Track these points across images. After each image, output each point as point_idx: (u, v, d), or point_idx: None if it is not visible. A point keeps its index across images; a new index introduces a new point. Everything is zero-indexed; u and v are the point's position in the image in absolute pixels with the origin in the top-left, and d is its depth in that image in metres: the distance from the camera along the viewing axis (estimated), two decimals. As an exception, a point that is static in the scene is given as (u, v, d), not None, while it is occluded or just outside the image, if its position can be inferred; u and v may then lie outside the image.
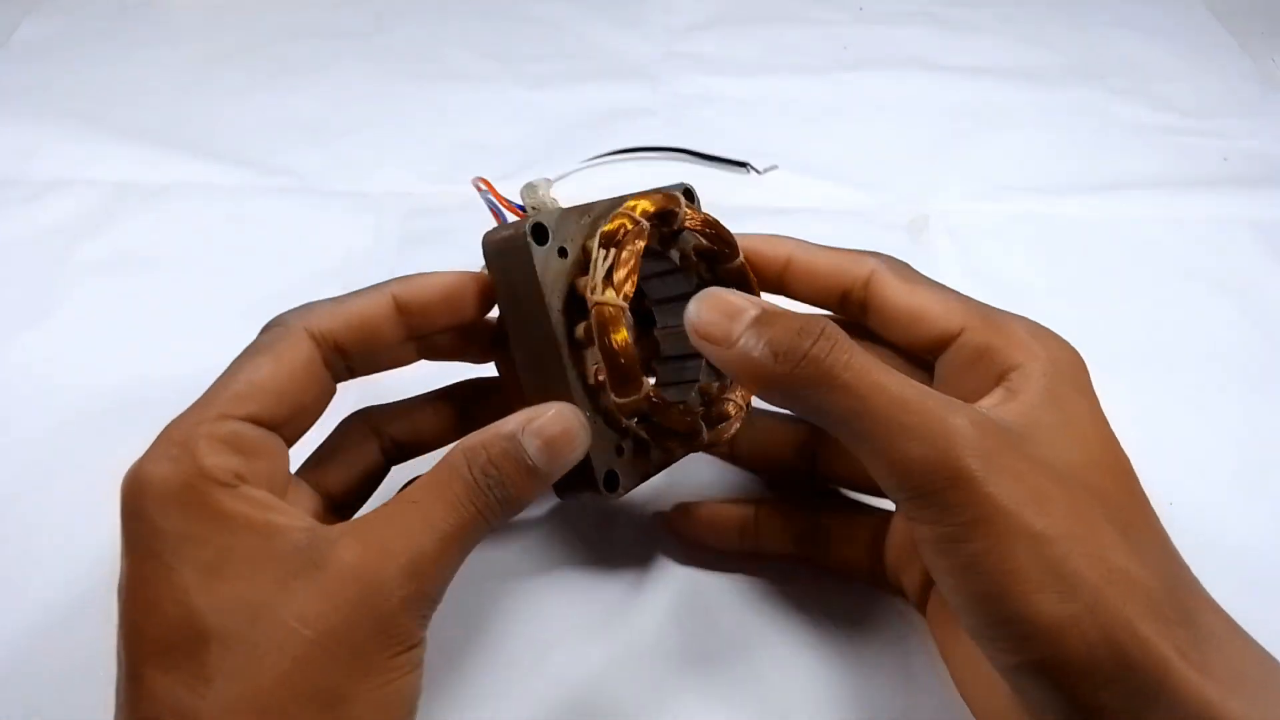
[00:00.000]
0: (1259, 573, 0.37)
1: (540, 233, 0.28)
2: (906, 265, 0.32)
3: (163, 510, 0.24)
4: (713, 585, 0.36)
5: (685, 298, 0.27)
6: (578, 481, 0.29)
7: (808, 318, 0.25)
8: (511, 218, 0.35)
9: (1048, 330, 0.29)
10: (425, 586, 0.25)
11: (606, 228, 0.29)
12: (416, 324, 0.30)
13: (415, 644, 0.25)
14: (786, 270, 0.32)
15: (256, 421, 0.26)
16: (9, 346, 0.44)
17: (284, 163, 0.54)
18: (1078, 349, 0.29)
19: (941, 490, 0.23)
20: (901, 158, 0.57)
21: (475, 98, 0.60)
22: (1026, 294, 0.49)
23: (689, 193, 0.33)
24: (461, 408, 0.33)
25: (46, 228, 0.50)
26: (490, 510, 0.25)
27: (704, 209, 0.32)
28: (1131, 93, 0.62)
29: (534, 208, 0.31)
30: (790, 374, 0.24)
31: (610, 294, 0.28)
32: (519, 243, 0.28)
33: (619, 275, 0.28)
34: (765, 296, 0.32)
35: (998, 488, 0.23)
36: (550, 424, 0.26)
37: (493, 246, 0.29)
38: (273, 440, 0.27)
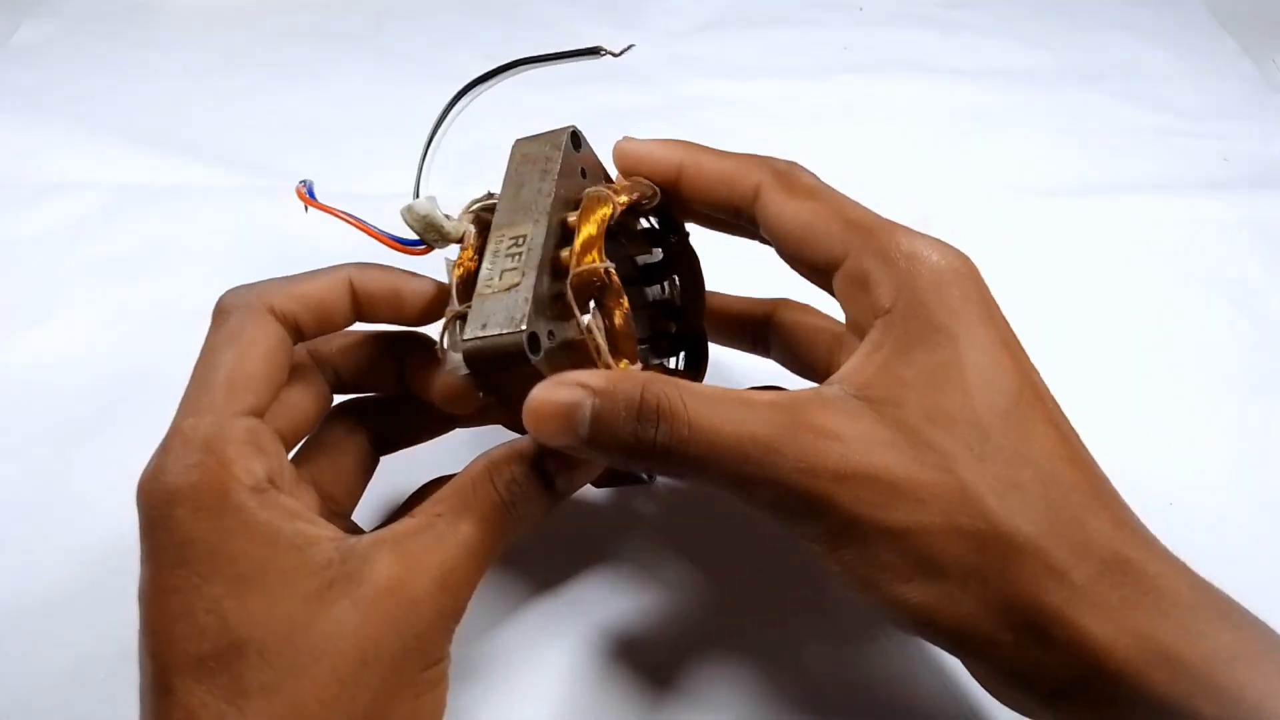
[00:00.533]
0: (1258, 572, 0.37)
1: (535, 343, 0.25)
2: (794, 171, 0.29)
3: (192, 519, 0.23)
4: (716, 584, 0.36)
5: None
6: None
7: (638, 396, 0.23)
8: (368, 241, 0.30)
9: (924, 248, 0.27)
10: (455, 602, 0.25)
11: (575, 280, 0.26)
12: (365, 314, 0.29)
13: (443, 658, 0.25)
14: (680, 180, 0.30)
15: (255, 412, 0.26)
16: (9, 347, 0.44)
17: (283, 165, 0.54)
18: (970, 257, 0.28)
19: (803, 514, 0.24)
20: (902, 159, 0.57)
21: (475, 100, 0.60)
22: (1026, 294, 0.49)
23: (576, 137, 0.30)
24: (396, 354, 0.32)
25: (47, 229, 0.50)
26: (514, 526, 0.26)
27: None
28: (1131, 94, 0.62)
29: (426, 229, 0.29)
30: (649, 458, 0.24)
31: (625, 364, 0.27)
32: (514, 351, 0.25)
33: (624, 346, 0.27)
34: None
35: (850, 499, 0.23)
36: (582, 413, 0.25)
37: (477, 355, 0.25)
38: (273, 434, 0.27)
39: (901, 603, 0.24)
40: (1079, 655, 0.23)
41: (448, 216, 0.29)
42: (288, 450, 0.28)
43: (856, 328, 0.27)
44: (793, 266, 0.29)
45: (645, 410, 0.23)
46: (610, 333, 0.27)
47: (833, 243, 0.27)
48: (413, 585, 0.24)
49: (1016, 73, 0.64)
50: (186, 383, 0.26)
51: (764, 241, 0.29)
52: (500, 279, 0.26)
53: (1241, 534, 0.39)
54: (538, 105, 0.60)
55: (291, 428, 0.29)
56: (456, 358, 0.26)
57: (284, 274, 0.30)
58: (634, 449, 0.23)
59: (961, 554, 0.23)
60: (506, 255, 0.27)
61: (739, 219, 0.29)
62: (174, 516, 0.23)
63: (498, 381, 0.26)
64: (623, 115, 0.59)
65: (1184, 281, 0.50)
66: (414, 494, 0.32)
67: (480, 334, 0.25)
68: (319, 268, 0.29)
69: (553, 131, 0.30)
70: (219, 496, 0.23)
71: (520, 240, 0.27)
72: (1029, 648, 0.23)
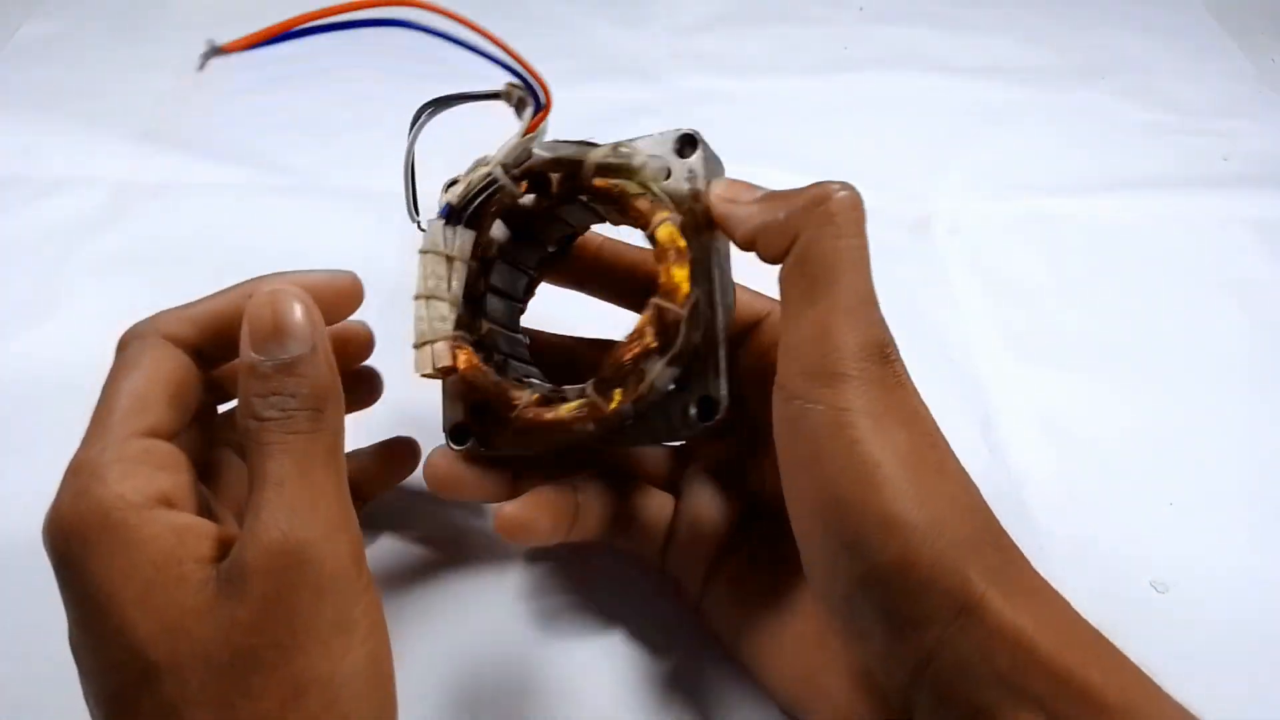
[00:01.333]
0: (1258, 573, 0.37)
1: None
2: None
3: (84, 548, 0.23)
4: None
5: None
6: None
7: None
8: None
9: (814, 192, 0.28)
10: (329, 527, 0.24)
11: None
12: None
13: (363, 590, 0.25)
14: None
15: (156, 434, 0.26)
16: (11, 345, 0.44)
17: (286, 161, 0.54)
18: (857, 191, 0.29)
19: (854, 378, 0.24)
20: (903, 157, 0.57)
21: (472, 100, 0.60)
22: (1028, 292, 0.49)
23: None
24: None
25: (49, 226, 0.50)
26: (315, 418, 0.25)
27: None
28: (1132, 92, 0.63)
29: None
30: (809, 213, 0.27)
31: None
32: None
33: None
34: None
35: (896, 395, 0.25)
36: (257, 310, 0.25)
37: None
38: (176, 452, 0.26)
39: (896, 516, 0.23)
40: (1000, 631, 0.23)
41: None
42: None
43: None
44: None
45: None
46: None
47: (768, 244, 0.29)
48: (279, 549, 0.23)
49: (1017, 71, 0.64)
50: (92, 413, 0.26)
51: None
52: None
53: (1241, 534, 0.39)
54: (539, 103, 0.60)
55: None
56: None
57: (285, 269, 0.30)
58: (810, 201, 0.27)
59: (941, 493, 0.24)
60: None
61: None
62: (70, 551, 0.23)
63: None
64: (623, 112, 0.59)
65: (1184, 279, 0.50)
66: None
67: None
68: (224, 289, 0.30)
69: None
70: (103, 518, 0.23)
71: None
72: (961, 617, 0.23)
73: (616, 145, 0.29)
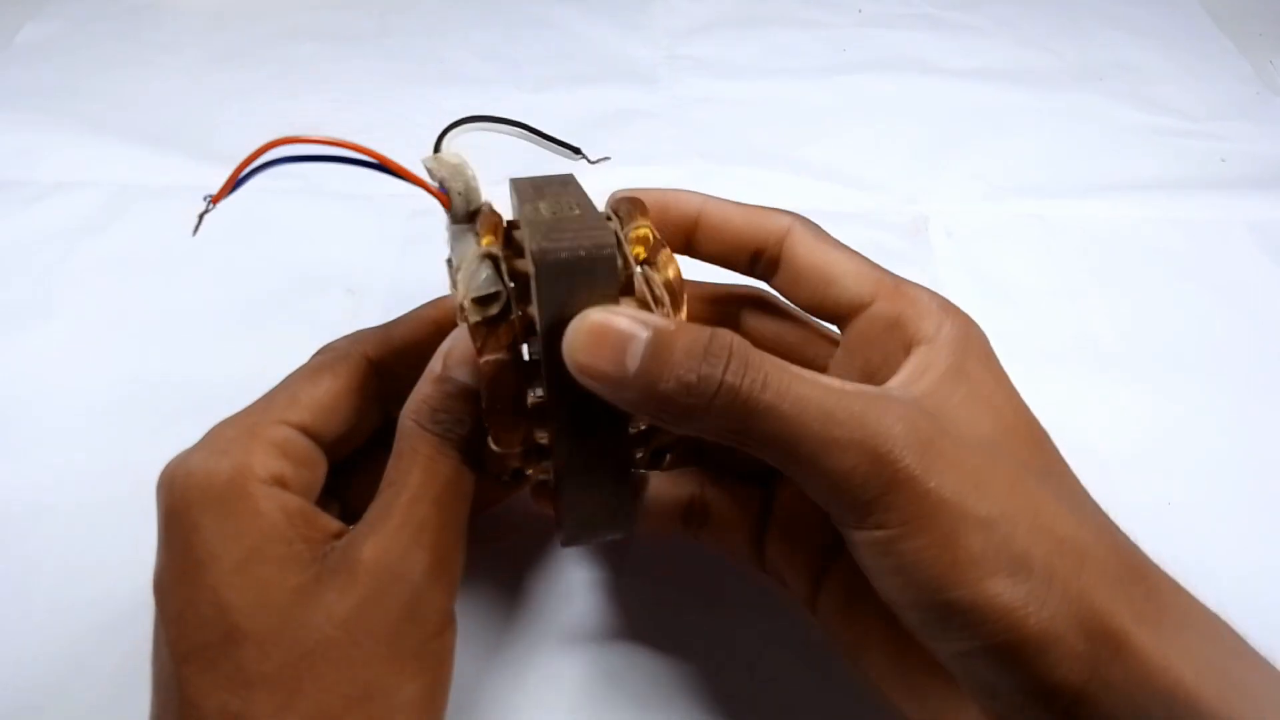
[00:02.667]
0: (1257, 573, 0.37)
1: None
2: (818, 226, 0.30)
3: (202, 504, 0.24)
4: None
5: None
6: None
7: (708, 335, 0.22)
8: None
9: (951, 303, 0.28)
10: (438, 558, 0.25)
11: (633, 236, 0.26)
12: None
13: (444, 627, 0.25)
14: (697, 227, 0.30)
15: (306, 432, 0.27)
16: (12, 347, 0.44)
17: (286, 165, 0.54)
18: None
19: (880, 495, 0.22)
20: (900, 159, 0.57)
21: (477, 100, 0.60)
22: (1025, 295, 0.49)
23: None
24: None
25: (49, 229, 0.50)
26: (464, 452, 0.26)
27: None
28: (1129, 95, 0.63)
29: (453, 175, 0.27)
30: (705, 407, 0.22)
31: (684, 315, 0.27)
32: (604, 260, 0.23)
33: (678, 301, 0.26)
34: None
35: (937, 480, 0.22)
36: (458, 346, 0.26)
37: (556, 266, 0.23)
38: (318, 453, 0.27)
39: (988, 600, 0.21)
40: (1150, 679, 0.21)
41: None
42: None
43: (871, 366, 0.28)
44: (805, 305, 0.30)
45: (715, 347, 0.22)
46: (667, 286, 0.26)
47: (863, 286, 0.28)
48: (393, 553, 0.24)
49: (1015, 73, 0.64)
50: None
51: (762, 278, 0.31)
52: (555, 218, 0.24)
53: (1240, 534, 0.39)
54: (536, 105, 0.60)
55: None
56: (465, 293, 0.24)
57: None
58: (693, 388, 0.21)
59: (1044, 552, 0.22)
60: (551, 214, 0.25)
61: (756, 258, 0.30)
62: (187, 503, 0.24)
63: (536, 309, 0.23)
64: (623, 115, 0.59)
65: (1181, 282, 0.50)
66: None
67: (559, 244, 0.22)
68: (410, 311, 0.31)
69: (553, 175, 0.29)
70: (231, 484, 0.24)
71: (569, 206, 0.25)
72: (1102, 666, 0.21)
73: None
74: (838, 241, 0.30)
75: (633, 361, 0.22)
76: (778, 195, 0.53)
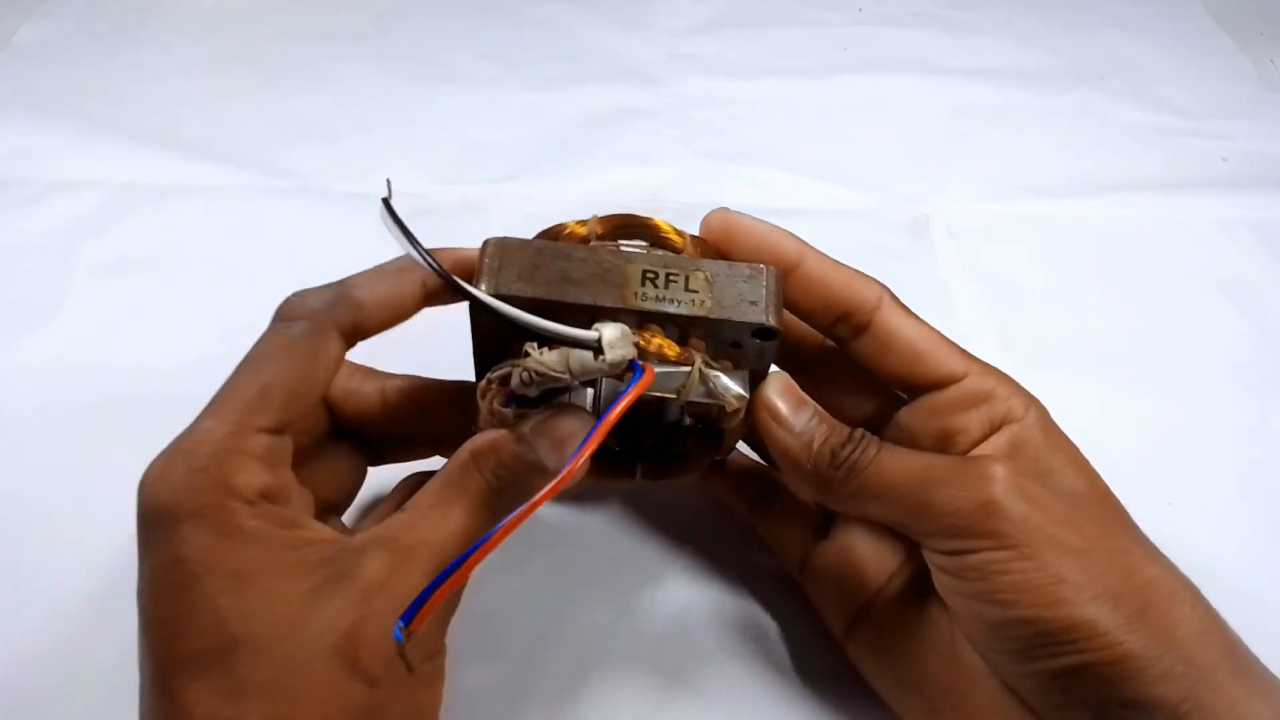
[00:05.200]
0: (1257, 573, 0.37)
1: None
2: (897, 297, 0.32)
3: (188, 526, 0.23)
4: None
5: None
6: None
7: (845, 426, 0.28)
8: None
9: (1022, 386, 0.31)
10: (449, 593, 0.25)
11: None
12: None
13: (440, 651, 0.25)
14: (794, 274, 0.30)
15: (280, 429, 0.26)
16: (13, 347, 0.44)
17: (286, 163, 0.54)
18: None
19: (978, 523, 0.25)
20: (902, 158, 0.57)
21: (477, 99, 0.60)
22: (1027, 294, 0.49)
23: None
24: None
25: (49, 229, 0.50)
26: (505, 511, 0.25)
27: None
28: (1131, 94, 0.63)
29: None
30: (830, 474, 0.27)
31: None
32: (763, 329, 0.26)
33: None
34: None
35: (1031, 513, 0.25)
36: (560, 425, 0.26)
37: (720, 326, 0.26)
38: (289, 447, 0.27)
39: (1092, 620, 0.23)
40: (1236, 709, 0.23)
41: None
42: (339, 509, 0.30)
43: (949, 432, 0.30)
44: (887, 372, 0.31)
45: (853, 434, 0.27)
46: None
47: (954, 363, 0.30)
48: (406, 578, 0.24)
49: (1016, 73, 0.64)
50: (227, 377, 0.26)
51: (839, 339, 0.31)
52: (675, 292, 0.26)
53: (1240, 534, 0.39)
54: (536, 104, 0.60)
55: (336, 491, 0.30)
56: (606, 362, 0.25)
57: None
58: (831, 462, 0.27)
59: (1135, 586, 0.24)
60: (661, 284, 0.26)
61: (840, 320, 0.30)
62: (170, 520, 0.23)
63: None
64: (623, 115, 0.59)
65: (1183, 281, 0.50)
66: (396, 488, 0.32)
67: (720, 310, 0.26)
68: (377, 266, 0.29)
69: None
70: (215, 508, 0.24)
71: (668, 275, 0.26)
72: (1199, 689, 0.23)
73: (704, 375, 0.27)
74: (920, 319, 0.31)
75: (803, 419, 0.28)
76: (778, 195, 0.54)
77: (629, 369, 0.25)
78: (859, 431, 0.27)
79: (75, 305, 0.46)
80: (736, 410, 0.27)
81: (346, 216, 0.51)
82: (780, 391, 0.28)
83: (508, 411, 0.26)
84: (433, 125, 0.58)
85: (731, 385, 0.27)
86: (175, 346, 0.44)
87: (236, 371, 0.26)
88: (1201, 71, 0.65)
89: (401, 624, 0.23)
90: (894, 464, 0.26)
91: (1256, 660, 0.25)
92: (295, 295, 0.27)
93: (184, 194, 0.52)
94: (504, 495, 0.26)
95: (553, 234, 0.29)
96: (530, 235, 0.29)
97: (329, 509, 0.31)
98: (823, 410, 0.28)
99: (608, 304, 0.26)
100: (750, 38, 0.66)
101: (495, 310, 0.25)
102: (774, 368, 0.29)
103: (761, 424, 0.28)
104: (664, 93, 0.61)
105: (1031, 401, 0.30)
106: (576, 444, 0.26)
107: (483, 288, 0.26)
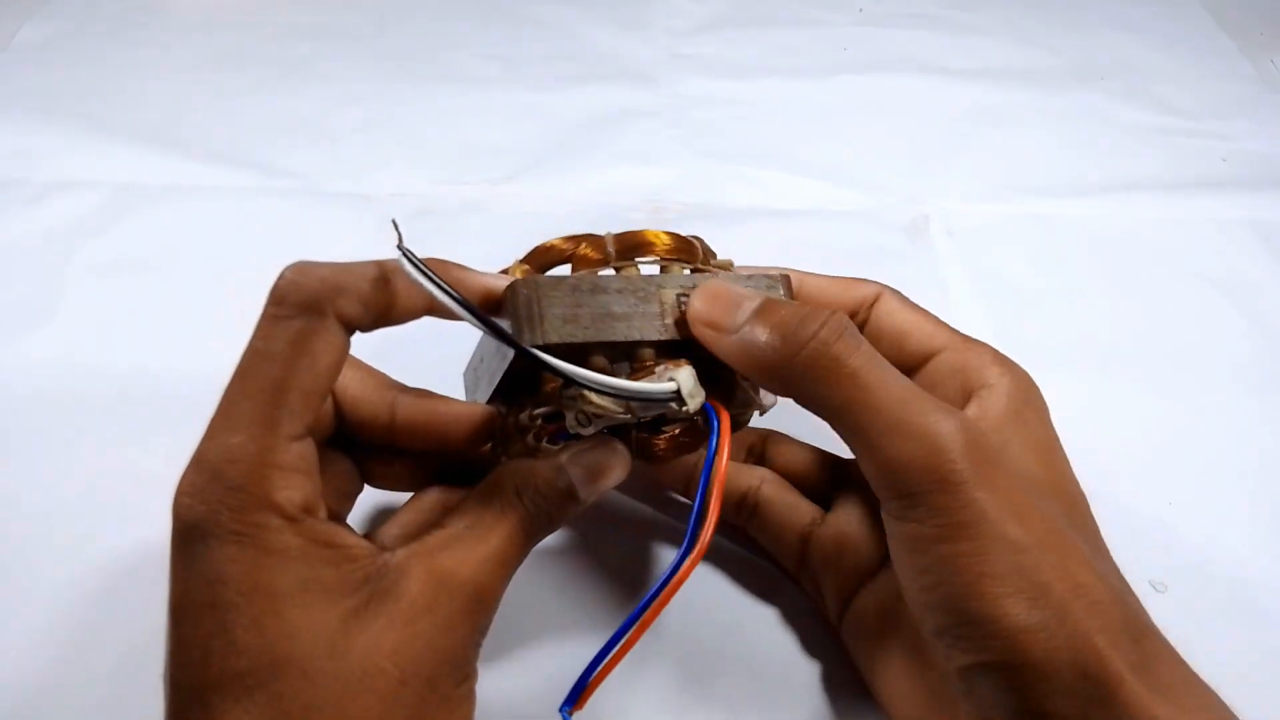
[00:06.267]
0: (1257, 573, 0.37)
1: None
2: (903, 294, 0.33)
3: (229, 543, 0.23)
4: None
5: None
6: None
7: (811, 306, 0.26)
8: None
9: (1013, 360, 0.31)
10: (486, 614, 0.25)
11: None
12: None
13: (473, 672, 0.25)
14: (797, 295, 0.31)
15: (306, 434, 0.25)
16: (12, 347, 0.44)
17: (286, 164, 0.54)
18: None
19: (929, 492, 0.24)
20: (902, 159, 0.57)
21: (478, 99, 0.60)
22: (1026, 294, 0.49)
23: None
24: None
25: (49, 229, 0.50)
26: (540, 535, 0.26)
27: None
28: (1131, 94, 0.63)
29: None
30: (794, 359, 0.25)
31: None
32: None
33: None
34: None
35: (982, 495, 0.24)
36: (599, 457, 0.27)
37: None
38: (315, 451, 0.25)
39: (1002, 617, 0.23)
40: None
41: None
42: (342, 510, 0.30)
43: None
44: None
45: (817, 312, 0.25)
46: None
47: (935, 339, 0.31)
48: (447, 601, 0.24)
49: (1016, 73, 0.64)
50: (233, 375, 0.24)
51: None
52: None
53: (1241, 534, 0.39)
54: (536, 104, 0.60)
55: (339, 497, 0.30)
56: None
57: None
58: (789, 338, 0.25)
59: (1062, 590, 0.23)
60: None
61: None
62: (210, 538, 0.23)
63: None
64: (623, 115, 0.59)
65: (1183, 281, 0.50)
66: (413, 498, 0.31)
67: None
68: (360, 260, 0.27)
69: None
70: (257, 527, 0.23)
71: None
72: (1093, 707, 0.23)
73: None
74: (920, 307, 0.32)
75: (742, 315, 0.26)
76: (778, 195, 0.54)
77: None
78: (827, 312, 0.26)
79: (74, 305, 0.46)
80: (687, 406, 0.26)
81: (347, 217, 0.51)
82: (701, 297, 0.27)
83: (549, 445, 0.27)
84: (433, 125, 0.58)
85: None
86: (174, 346, 0.44)
87: (244, 370, 0.24)
88: (1201, 71, 0.65)
89: (566, 709, 0.24)
90: (870, 364, 0.25)
91: (1183, 671, 0.25)
92: (292, 272, 0.25)
93: (184, 194, 0.52)
94: (538, 522, 0.26)
95: (542, 254, 0.29)
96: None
97: (333, 517, 0.30)
98: (774, 298, 0.27)
99: (653, 337, 0.27)
100: (750, 38, 0.67)
101: (569, 375, 0.24)
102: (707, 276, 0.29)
103: (704, 340, 0.27)
104: (664, 93, 0.61)
105: (1009, 370, 0.29)
106: (613, 476, 0.28)
107: (527, 338, 0.25)
